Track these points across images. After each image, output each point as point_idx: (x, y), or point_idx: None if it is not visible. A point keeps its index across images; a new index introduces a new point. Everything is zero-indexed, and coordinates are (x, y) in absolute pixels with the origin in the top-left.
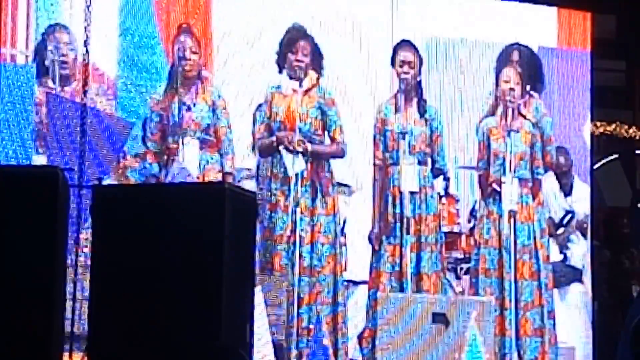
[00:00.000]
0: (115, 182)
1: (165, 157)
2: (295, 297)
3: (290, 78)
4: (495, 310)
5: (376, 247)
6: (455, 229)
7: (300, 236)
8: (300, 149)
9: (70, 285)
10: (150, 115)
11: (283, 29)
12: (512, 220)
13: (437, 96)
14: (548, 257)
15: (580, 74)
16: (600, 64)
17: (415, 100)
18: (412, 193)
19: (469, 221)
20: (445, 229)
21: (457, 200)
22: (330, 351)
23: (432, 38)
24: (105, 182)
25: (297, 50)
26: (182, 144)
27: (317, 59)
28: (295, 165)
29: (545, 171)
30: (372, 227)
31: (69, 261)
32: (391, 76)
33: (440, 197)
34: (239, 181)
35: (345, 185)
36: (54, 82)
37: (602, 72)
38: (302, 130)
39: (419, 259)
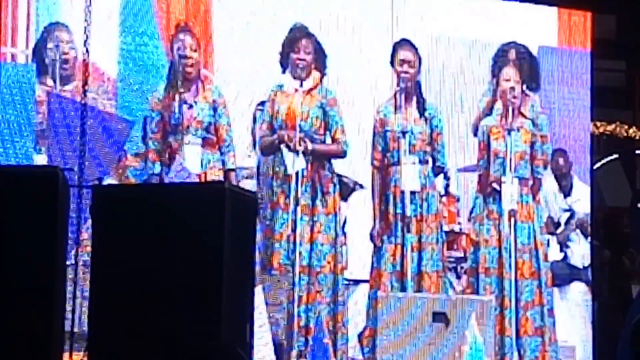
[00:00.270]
0: (115, 182)
1: (167, 155)
2: (295, 297)
3: (293, 77)
4: (496, 310)
5: (378, 244)
6: (456, 228)
7: (301, 235)
8: (301, 148)
9: (71, 285)
10: (150, 114)
11: (283, 29)
12: (512, 219)
13: (437, 95)
14: (547, 255)
15: (580, 74)
16: (600, 64)
17: (414, 99)
18: (412, 192)
19: (469, 220)
20: (445, 228)
21: (458, 200)
22: (331, 351)
23: (432, 38)
24: (105, 182)
25: (300, 49)
26: (184, 142)
27: (320, 58)
28: (295, 164)
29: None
30: (373, 225)
31: (69, 261)
32: (391, 75)
33: (441, 196)
34: (239, 181)
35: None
36: (54, 82)
37: (602, 72)
38: (303, 129)
39: (419, 259)
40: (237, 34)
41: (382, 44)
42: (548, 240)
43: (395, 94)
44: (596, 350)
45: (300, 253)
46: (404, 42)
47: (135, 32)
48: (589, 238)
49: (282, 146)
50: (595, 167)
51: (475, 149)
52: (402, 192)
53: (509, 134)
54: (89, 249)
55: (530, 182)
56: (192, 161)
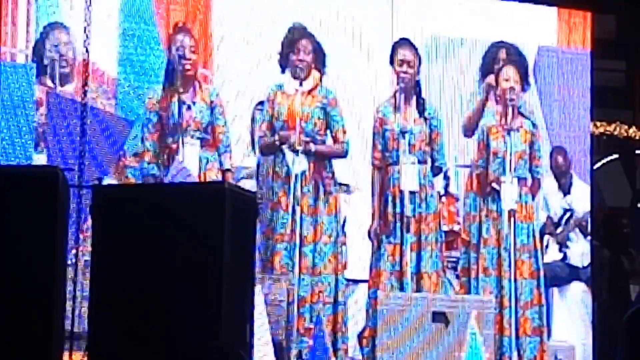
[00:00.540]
0: (115, 182)
1: (165, 157)
2: (295, 297)
3: (293, 77)
4: (495, 309)
5: (376, 244)
6: (455, 228)
7: (302, 235)
8: (303, 149)
9: (70, 285)
10: (148, 115)
11: (283, 29)
12: (511, 219)
13: (437, 95)
14: (547, 256)
15: (580, 73)
16: (600, 64)
17: (414, 99)
18: (412, 192)
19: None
20: (445, 227)
21: (457, 199)
22: (330, 350)
23: (432, 38)
24: (105, 182)
25: (299, 49)
26: (182, 143)
27: (319, 58)
28: (297, 164)
29: None
30: (372, 223)
31: (69, 261)
32: (391, 75)
33: (440, 196)
34: (238, 181)
35: (344, 184)
36: (54, 82)
37: (602, 72)
38: (305, 130)
39: (419, 258)
40: (237, 33)
41: (382, 44)
42: (548, 240)
43: (394, 94)
44: (596, 350)
45: (300, 253)
46: (404, 42)
47: (135, 32)
48: (589, 238)
49: (285, 147)
50: (595, 167)
51: (473, 150)
52: (402, 192)
53: (509, 134)
54: (89, 248)
55: (530, 182)
56: (190, 162)
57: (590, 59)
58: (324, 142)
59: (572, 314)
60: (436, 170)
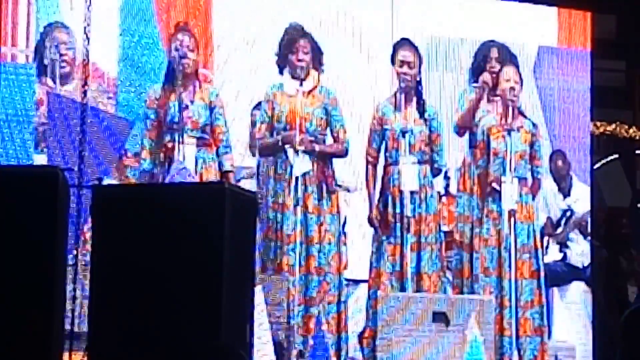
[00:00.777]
0: (116, 182)
1: (161, 155)
2: (296, 296)
3: (293, 77)
4: (495, 309)
5: (378, 231)
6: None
7: (304, 235)
8: (308, 149)
9: (70, 285)
10: (146, 113)
11: (283, 29)
12: (512, 219)
13: (437, 96)
14: (547, 256)
15: (580, 73)
16: (600, 64)
17: (414, 99)
18: (411, 192)
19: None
20: (445, 228)
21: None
22: (331, 350)
23: (432, 38)
24: (105, 182)
25: (298, 49)
26: (180, 142)
27: (317, 57)
28: (302, 165)
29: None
30: (370, 211)
31: (69, 261)
32: (391, 75)
33: (441, 196)
34: (238, 181)
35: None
36: (54, 81)
37: (602, 72)
38: (308, 131)
39: (419, 259)
40: (237, 33)
41: (382, 44)
42: (548, 240)
43: (395, 94)
44: (596, 350)
45: (303, 253)
46: (404, 42)
47: (135, 31)
48: (589, 238)
49: (288, 148)
50: (595, 167)
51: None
52: (401, 192)
53: (509, 134)
54: (89, 248)
55: (530, 182)
56: (187, 161)
57: (590, 59)
58: (324, 142)
59: (573, 314)
60: (435, 172)
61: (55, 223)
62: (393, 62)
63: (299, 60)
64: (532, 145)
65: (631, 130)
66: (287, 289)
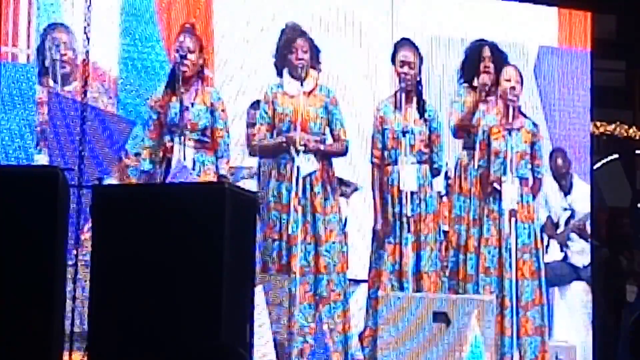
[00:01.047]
0: (116, 182)
1: (160, 155)
2: (296, 296)
3: (293, 77)
4: (496, 309)
5: (379, 243)
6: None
7: (315, 235)
8: (314, 149)
9: (70, 285)
10: (149, 113)
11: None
12: (512, 219)
13: (437, 96)
14: (548, 255)
15: (580, 73)
16: (600, 64)
17: (415, 100)
18: (411, 192)
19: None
20: (444, 228)
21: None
22: (331, 350)
23: (432, 37)
24: (105, 182)
25: (296, 49)
26: (179, 143)
27: (315, 56)
28: (308, 165)
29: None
30: (375, 222)
31: (69, 261)
32: (391, 74)
33: (441, 196)
34: (238, 181)
35: (347, 183)
36: (55, 82)
37: (602, 72)
38: (312, 131)
39: (418, 258)
40: (237, 33)
41: (382, 43)
42: (548, 240)
43: (395, 93)
44: (596, 350)
45: (309, 252)
46: (405, 42)
47: (136, 32)
48: (589, 238)
49: (292, 148)
50: (595, 167)
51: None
52: (401, 192)
53: (510, 134)
54: (89, 248)
55: (531, 182)
56: (186, 163)
57: (590, 59)
58: (324, 141)
59: (573, 313)
60: (435, 172)
61: (55, 223)
62: (393, 62)
63: (299, 59)
64: (532, 145)
65: (631, 130)
66: (288, 289)
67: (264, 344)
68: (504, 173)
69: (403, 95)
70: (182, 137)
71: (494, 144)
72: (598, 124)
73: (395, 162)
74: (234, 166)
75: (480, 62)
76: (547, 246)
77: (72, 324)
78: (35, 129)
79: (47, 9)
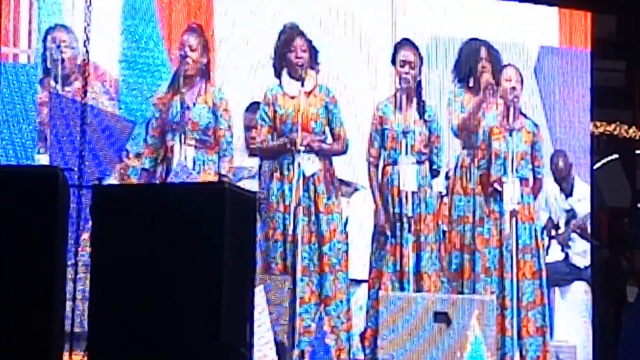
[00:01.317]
0: (116, 182)
1: (162, 153)
2: (297, 296)
3: (293, 78)
4: (497, 310)
5: (381, 243)
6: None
7: (319, 235)
8: (317, 149)
9: (70, 285)
10: (153, 113)
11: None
12: (513, 220)
13: (437, 95)
14: (549, 256)
15: (580, 73)
16: (600, 64)
17: (415, 100)
18: (411, 193)
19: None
20: (444, 227)
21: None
22: (332, 350)
23: (432, 37)
24: (105, 182)
25: (296, 48)
26: (180, 142)
27: (312, 55)
28: (311, 165)
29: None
30: (376, 221)
31: (69, 261)
32: (391, 74)
33: (442, 196)
34: (238, 181)
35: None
36: (56, 82)
37: (602, 72)
38: (315, 131)
39: (419, 259)
40: (237, 33)
41: (382, 43)
42: (549, 240)
43: (395, 93)
44: (596, 350)
45: (320, 252)
46: (405, 42)
47: (136, 31)
48: (590, 238)
49: (295, 149)
50: (595, 167)
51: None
52: (401, 192)
53: (510, 134)
54: (89, 249)
55: (531, 183)
56: (187, 162)
57: (590, 59)
58: (324, 141)
59: (574, 313)
60: (434, 173)
61: (55, 223)
62: (394, 62)
63: (298, 58)
64: (533, 145)
65: (631, 130)
66: (289, 289)
67: (264, 344)
68: (504, 173)
69: (403, 95)
70: (183, 136)
71: (494, 144)
72: (598, 124)
73: (395, 163)
74: (235, 166)
75: (478, 62)
76: (548, 246)
77: (72, 324)
78: (36, 129)
79: (48, 10)
